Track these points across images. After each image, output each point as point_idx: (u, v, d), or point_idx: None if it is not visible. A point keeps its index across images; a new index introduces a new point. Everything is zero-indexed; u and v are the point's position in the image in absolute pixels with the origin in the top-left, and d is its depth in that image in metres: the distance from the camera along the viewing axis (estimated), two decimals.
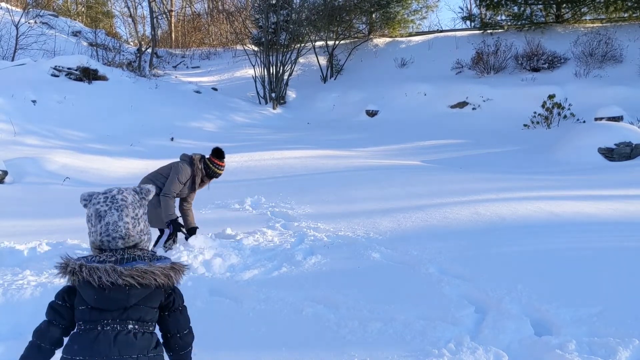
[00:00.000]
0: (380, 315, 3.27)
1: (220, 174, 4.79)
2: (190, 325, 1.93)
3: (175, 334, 1.87)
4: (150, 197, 1.92)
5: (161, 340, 1.87)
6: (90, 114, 12.71)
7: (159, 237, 4.82)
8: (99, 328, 1.70)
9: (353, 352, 2.89)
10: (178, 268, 1.80)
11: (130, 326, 1.73)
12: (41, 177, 7.95)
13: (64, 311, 1.77)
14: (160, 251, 4.68)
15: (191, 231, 4.79)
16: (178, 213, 4.84)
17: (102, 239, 1.77)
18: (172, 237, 4.79)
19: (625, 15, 18.18)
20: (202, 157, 4.79)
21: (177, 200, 4.89)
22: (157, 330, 1.85)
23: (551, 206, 5.54)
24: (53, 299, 1.81)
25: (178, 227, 4.61)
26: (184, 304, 1.91)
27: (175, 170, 4.63)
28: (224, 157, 4.77)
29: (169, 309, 1.84)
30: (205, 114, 15.69)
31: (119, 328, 1.71)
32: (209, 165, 4.72)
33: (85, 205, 1.86)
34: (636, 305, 3.27)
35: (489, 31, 20.16)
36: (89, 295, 1.71)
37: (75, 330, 1.77)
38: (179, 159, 4.84)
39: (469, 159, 9.84)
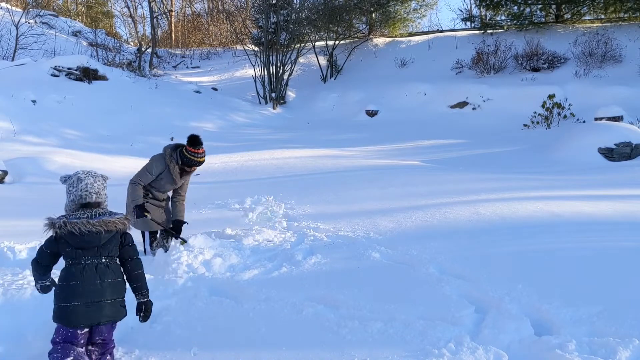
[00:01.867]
0: (380, 315, 3.27)
1: (197, 161, 4.51)
2: (139, 257, 2.80)
3: (128, 259, 2.72)
4: (106, 182, 2.82)
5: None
6: (90, 114, 12.71)
7: (144, 243, 4.76)
8: (82, 262, 2.56)
9: (353, 352, 2.89)
10: (129, 218, 2.75)
11: (103, 259, 2.60)
12: (41, 177, 7.95)
13: (48, 256, 2.64)
14: (150, 255, 4.64)
15: (176, 224, 4.65)
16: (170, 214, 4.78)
17: (82, 193, 2.66)
18: (154, 240, 4.74)
19: (625, 15, 18.18)
20: (177, 146, 4.60)
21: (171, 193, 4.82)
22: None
23: (551, 206, 5.53)
24: (43, 246, 2.65)
25: (142, 212, 4.42)
26: (134, 242, 2.80)
27: (148, 162, 4.58)
28: (199, 144, 4.49)
29: (124, 244, 2.72)
30: (205, 114, 15.68)
31: (96, 261, 2.58)
32: (184, 154, 4.49)
33: (65, 181, 2.75)
34: (636, 305, 3.27)
35: (489, 31, 20.16)
36: (73, 240, 2.56)
37: (65, 265, 2.60)
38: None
39: (469, 159, 9.84)
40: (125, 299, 2.68)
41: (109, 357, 2.70)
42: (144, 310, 2.76)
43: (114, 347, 2.76)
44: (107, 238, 2.60)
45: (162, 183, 4.63)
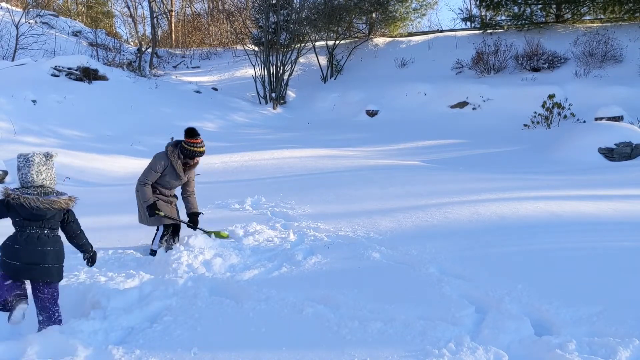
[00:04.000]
0: (380, 315, 3.27)
1: (199, 152, 4.66)
2: (82, 229, 3.32)
3: (73, 234, 3.28)
4: (54, 159, 3.19)
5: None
6: (90, 114, 12.70)
7: (155, 236, 4.84)
8: (28, 231, 3.06)
9: (353, 352, 2.89)
10: (72, 198, 3.18)
11: (46, 231, 3.10)
12: None
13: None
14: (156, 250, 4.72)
15: (192, 216, 4.79)
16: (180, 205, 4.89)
17: (21, 181, 3.12)
18: (166, 235, 4.79)
19: (625, 15, 18.16)
20: (177, 143, 4.75)
21: (180, 189, 4.95)
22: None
23: (551, 206, 5.54)
24: None
25: (154, 211, 4.58)
26: (76, 218, 3.28)
27: (152, 160, 4.73)
28: (196, 135, 4.66)
29: (67, 221, 3.22)
30: (205, 113, 15.68)
31: (39, 232, 3.08)
32: (184, 147, 4.64)
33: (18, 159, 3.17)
34: (636, 305, 3.28)
35: (489, 31, 20.15)
36: (23, 211, 3.03)
37: (13, 232, 3.09)
38: None
39: (469, 159, 9.84)
40: (62, 265, 3.20)
41: (57, 315, 3.19)
42: (91, 259, 3.41)
43: (58, 309, 3.22)
44: (52, 214, 3.08)
45: (167, 179, 4.74)
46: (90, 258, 3.41)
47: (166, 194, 4.82)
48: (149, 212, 4.59)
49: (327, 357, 2.85)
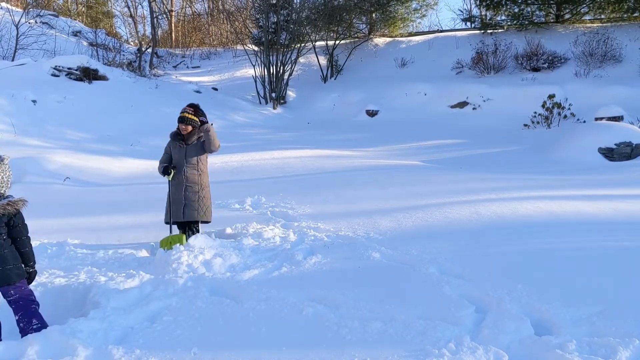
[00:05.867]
0: (380, 315, 3.27)
1: (180, 116, 5.43)
2: (29, 235, 3.26)
3: (17, 238, 3.19)
4: (6, 162, 3.13)
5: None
6: (90, 114, 12.70)
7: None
8: None
9: (353, 352, 2.89)
10: (13, 203, 3.11)
11: None
12: (41, 177, 7.95)
13: None
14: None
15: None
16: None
17: None
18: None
19: (625, 15, 18.16)
20: None
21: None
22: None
23: (551, 206, 5.54)
24: None
25: (165, 172, 5.08)
26: (25, 223, 3.24)
27: None
28: (189, 105, 5.52)
29: (12, 226, 3.15)
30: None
31: None
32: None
33: None
34: (636, 305, 3.28)
35: (489, 31, 20.14)
36: None
37: None
38: None
39: (469, 159, 9.84)
40: (17, 265, 3.17)
41: (34, 320, 3.14)
42: (28, 279, 3.29)
43: (35, 306, 3.21)
44: None
45: (174, 152, 5.20)
46: (29, 275, 3.29)
47: (182, 172, 5.08)
48: (161, 170, 5.09)
49: (327, 357, 2.85)
